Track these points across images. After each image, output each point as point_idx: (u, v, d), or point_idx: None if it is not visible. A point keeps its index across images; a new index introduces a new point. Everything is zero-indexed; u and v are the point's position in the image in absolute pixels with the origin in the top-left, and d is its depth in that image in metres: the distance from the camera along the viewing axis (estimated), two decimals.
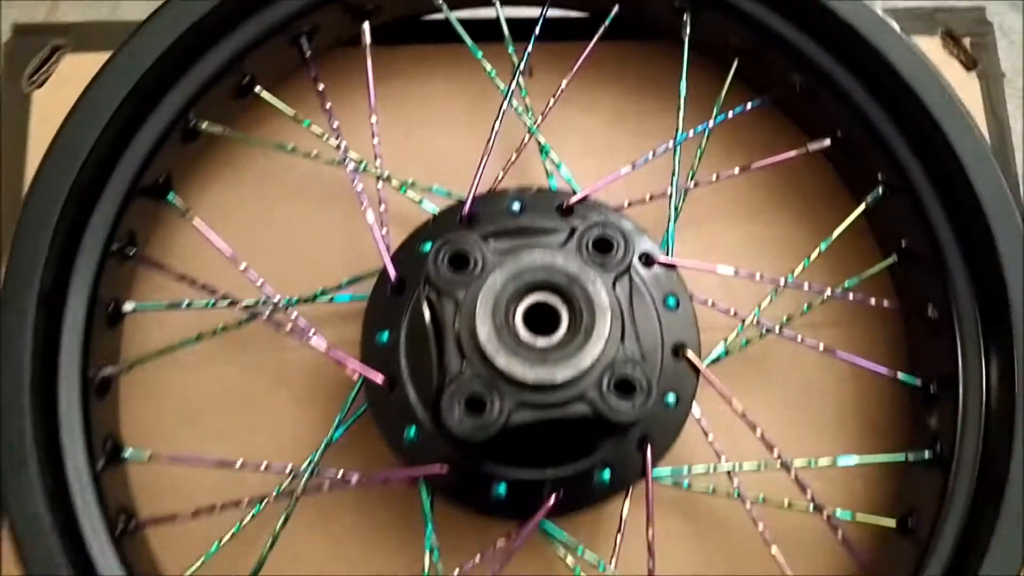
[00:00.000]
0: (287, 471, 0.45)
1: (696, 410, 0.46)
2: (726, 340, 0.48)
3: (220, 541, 0.44)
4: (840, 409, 0.52)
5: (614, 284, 0.40)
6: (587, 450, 0.43)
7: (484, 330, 0.38)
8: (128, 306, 0.49)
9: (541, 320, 0.39)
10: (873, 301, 0.50)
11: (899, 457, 0.47)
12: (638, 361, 0.39)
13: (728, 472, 0.46)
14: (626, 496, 0.45)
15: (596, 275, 0.40)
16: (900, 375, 0.49)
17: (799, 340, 0.49)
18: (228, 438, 0.50)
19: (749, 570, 0.49)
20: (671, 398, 0.45)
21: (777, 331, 0.49)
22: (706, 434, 0.46)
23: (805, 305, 0.50)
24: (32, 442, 0.41)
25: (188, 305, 0.49)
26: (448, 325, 0.40)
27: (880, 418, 0.51)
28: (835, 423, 0.51)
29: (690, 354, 0.45)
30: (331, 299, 0.49)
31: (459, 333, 0.39)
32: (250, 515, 0.45)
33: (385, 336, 0.45)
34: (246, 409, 0.51)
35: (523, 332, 0.39)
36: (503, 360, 0.38)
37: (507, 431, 0.39)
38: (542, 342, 0.39)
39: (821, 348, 0.49)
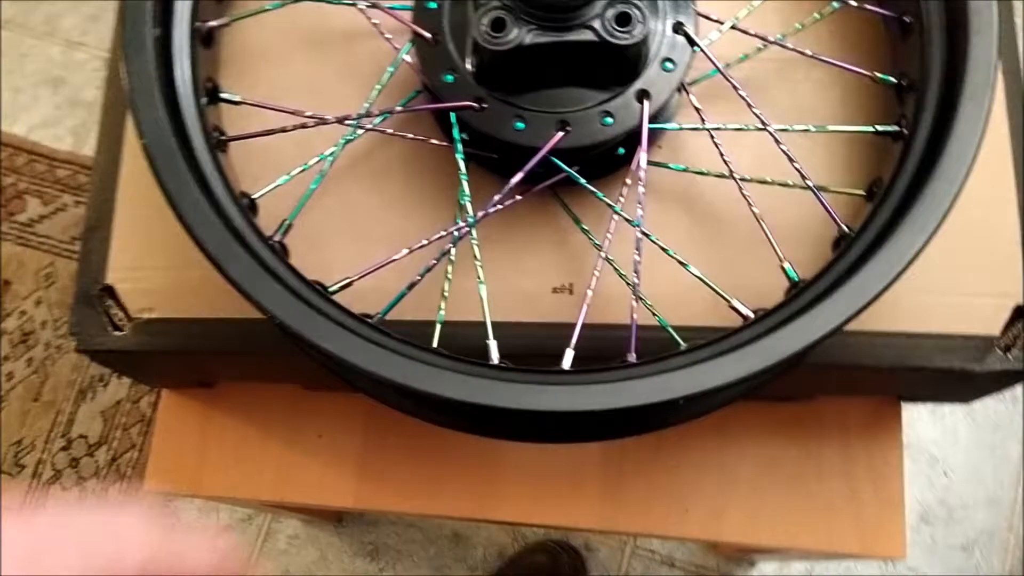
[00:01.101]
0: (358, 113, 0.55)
1: (694, 100, 0.55)
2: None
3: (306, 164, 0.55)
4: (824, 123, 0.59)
5: None
6: (593, 88, 0.52)
7: None
8: None
9: None
10: (855, 1, 0.57)
11: (868, 128, 0.54)
12: (637, 4, 0.48)
13: (711, 132, 0.54)
14: (628, 166, 0.54)
15: None
16: (878, 75, 0.56)
17: (789, 48, 0.56)
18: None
19: (738, 242, 0.57)
20: (668, 64, 0.53)
21: (771, 42, 0.56)
22: (698, 109, 0.55)
23: (797, 23, 0.58)
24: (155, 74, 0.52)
25: None
26: None
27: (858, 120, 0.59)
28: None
29: (688, 29, 0.53)
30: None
31: None
32: (315, 159, 0.55)
33: (434, 3, 0.54)
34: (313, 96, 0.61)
35: None
36: None
37: (523, 54, 0.48)
38: None
39: (809, 53, 0.57)
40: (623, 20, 0.48)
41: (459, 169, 0.53)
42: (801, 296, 0.49)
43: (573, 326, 0.49)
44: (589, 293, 0.51)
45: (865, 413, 0.70)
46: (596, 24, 0.48)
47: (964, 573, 1.18)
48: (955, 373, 0.58)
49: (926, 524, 1.19)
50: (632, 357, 0.50)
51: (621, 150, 0.55)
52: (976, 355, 0.57)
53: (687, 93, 0.55)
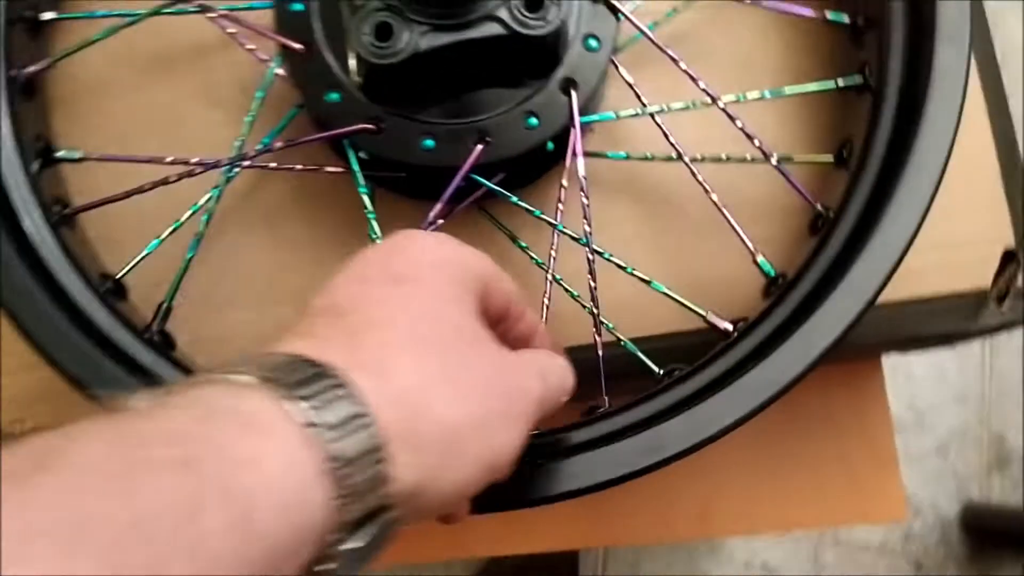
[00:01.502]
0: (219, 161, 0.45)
1: (626, 74, 0.46)
2: None
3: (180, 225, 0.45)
4: (775, 79, 0.51)
5: None
6: (509, 87, 0.43)
7: None
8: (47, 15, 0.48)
9: None
10: None
11: (830, 84, 0.46)
12: None
13: (652, 116, 0.46)
14: (563, 163, 0.46)
15: None
16: (829, 14, 0.48)
17: None
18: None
19: (700, 234, 0.50)
20: (592, 42, 0.44)
21: None
22: (632, 86, 0.46)
23: None
24: None
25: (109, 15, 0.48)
26: None
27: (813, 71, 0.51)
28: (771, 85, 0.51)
29: None
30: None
31: None
32: (188, 213, 0.45)
33: (299, 4, 0.44)
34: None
35: None
36: None
37: (422, 62, 0.39)
38: None
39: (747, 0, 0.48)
40: (534, 4, 0.39)
41: (364, 206, 0.43)
42: (786, 300, 0.42)
43: None
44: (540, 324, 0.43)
45: (846, 374, 0.64)
46: (502, 14, 0.39)
47: (943, 477, 1.17)
48: (950, 336, 0.53)
49: (897, 432, 1.17)
50: (605, 401, 0.43)
51: (551, 145, 0.47)
52: (970, 313, 0.52)
53: (616, 67, 0.47)
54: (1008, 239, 0.52)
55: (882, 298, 0.51)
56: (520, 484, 0.38)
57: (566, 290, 0.46)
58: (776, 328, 0.41)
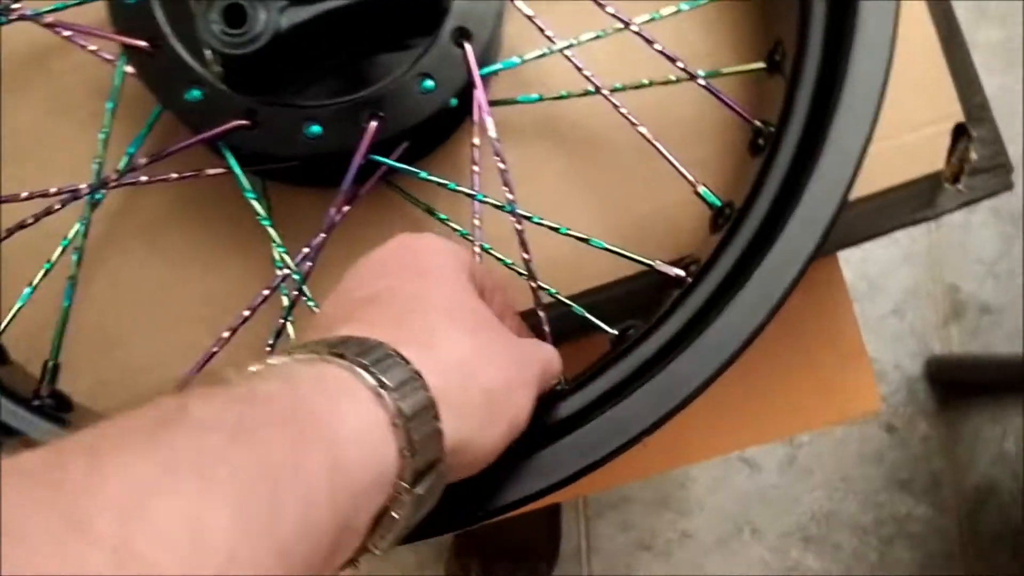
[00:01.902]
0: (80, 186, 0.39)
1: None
2: None
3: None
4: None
5: None
6: (396, 51, 0.38)
7: None
8: None
9: None
10: None
11: None
12: None
13: (563, 51, 0.41)
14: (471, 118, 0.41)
15: None
16: None
17: None
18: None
19: (635, 170, 0.46)
20: None
21: None
22: (533, 20, 0.41)
23: None
24: None
25: None
26: None
27: None
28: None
29: None
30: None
31: None
32: (58, 251, 0.40)
33: None
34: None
35: None
36: None
37: (287, 42, 0.33)
38: None
39: None
40: None
41: (256, 213, 0.38)
42: (737, 234, 0.38)
43: None
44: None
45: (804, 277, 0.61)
46: None
47: (902, 337, 1.17)
48: (908, 224, 0.50)
49: (852, 301, 1.17)
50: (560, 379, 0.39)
51: (454, 101, 0.41)
52: (927, 199, 0.49)
53: (513, 1, 0.41)
54: (957, 115, 0.48)
55: None
56: (488, 492, 0.35)
57: (498, 259, 0.42)
58: (732, 268, 0.38)
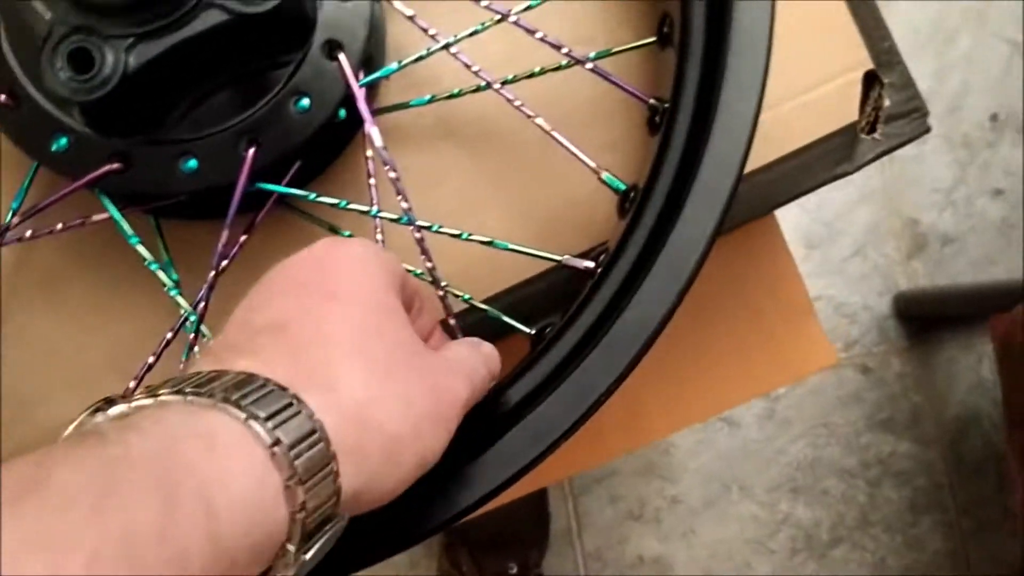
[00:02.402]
0: None
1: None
2: None
3: None
4: None
5: None
6: (267, 71, 0.36)
7: None
8: None
9: None
10: None
11: None
12: None
13: (447, 48, 0.39)
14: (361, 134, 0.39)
15: None
16: None
17: None
18: None
19: (537, 163, 0.44)
20: None
21: None
22: (412, 19, 0.39)
23: None
24: None
25: None
26: None
27: None
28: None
29: None
30: None
31: None
32: None
33: None
34: None
35: None
36: None
37: (141, 79, 0.32)
38: None
39: None
40: None
41: (143, 259, 0.37)
42: (642, 217, 0.37)
43: None
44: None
45: (742, 239, 0.60)
46: None
47: (867, 277, 1.16)
48: (830, 180, 0.49)
49: (814, 248, 1.17)
50: None
51: (342, 113, 0.40)
52: (845, 154, 0.48)
53: (391, 1, 0.40)
54: (866, 63, 0.47)
55: (752, 165, 0.47)
56: (416, 514, 0.34)
57: (408, 270, 0.40)
58: (639, 255, 0.37)
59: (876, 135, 0.48)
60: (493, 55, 0.43)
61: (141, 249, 0.37)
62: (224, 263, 0.37)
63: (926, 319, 1.17)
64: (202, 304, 0.37)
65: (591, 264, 0.39)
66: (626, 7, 0.44)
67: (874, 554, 1.16)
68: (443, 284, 0.39)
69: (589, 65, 0.39)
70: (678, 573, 1.14)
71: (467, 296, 0.40)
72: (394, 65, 0.39)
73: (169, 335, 0.38)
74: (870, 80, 0.48)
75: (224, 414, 0.24)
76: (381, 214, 0.38)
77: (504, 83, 0.41)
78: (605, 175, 0.40)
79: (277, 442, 0.24)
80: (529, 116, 0.40)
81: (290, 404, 0.25)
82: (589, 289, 0.37)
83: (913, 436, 1.17)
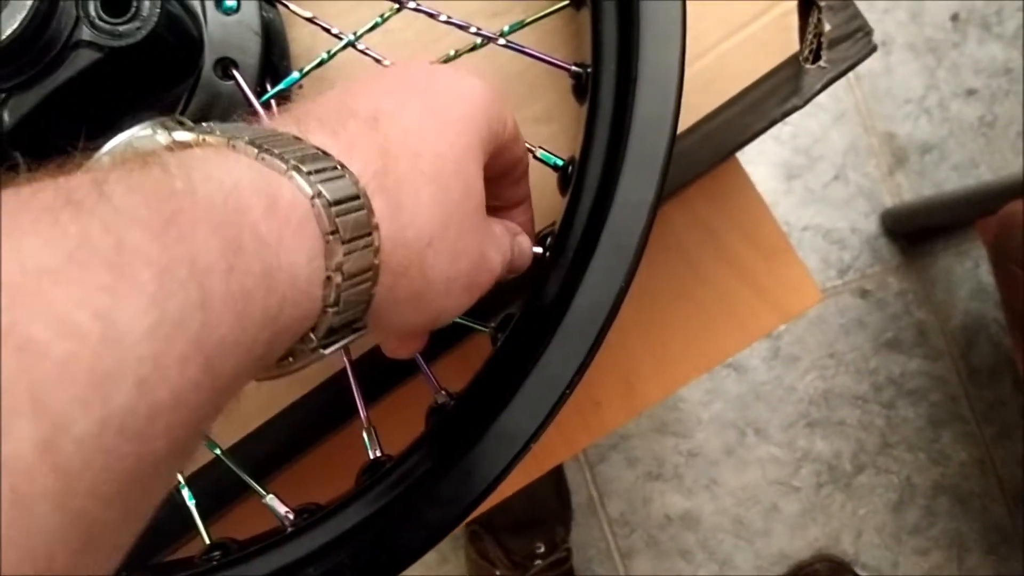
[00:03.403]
0: None
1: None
2: None
3: None
4: None
5: None
6: (162, 93, 0.34)
7: None
8: None
9: None
10: None
11: None
12: None
13: (352, 44, 0.37)
14: None
15: None
16: None
17: None
18: None
19: None
20: (229, 3, 0.35)
21: None
22: (313, 20, 0.37)
23: None
24: None
25: None
26: None
27: None
28: None
29: None
30: None
31: None
32: None
33: None
34: None
35: None
36: None
37: (24, 130, 0.30)
38: None
39: None
40: (116, 8, 0.30)
41: None
42: (580, 195, 0.35)
43: None
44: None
45: (707, 186, 0.58)
46: (85, 33, 0.30)
47: (852, 199, 1.14)
48: (780, 118, 0.47)
49: (794, 178, 1.14)
50: (443, 394, 0.36)
51: None
52: (792, 87, 0.46)
53: (286, 5, 0.38)
54: None
55: (697, 116, 0.45)
56: (390, 544, 0.33)
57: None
58: (583, 232, 0.35)
59: (821, 63, 0.46)
60: (408, 43, 0.41)
61: None
62: None
63: (916, 233, 1.15)
64: None
65: (539, 250, 0.37)
66: None
67: (899, 475, 1.14)
68: None
69: (502, 41, 0.37)
70: (707, 525, 1.13)
71: None
72: (296, 74, 0.37)
73: None
74: (806, 5, 0.45)
75: (291, 182, 0.23)
76: None
77: None
78: (540, 152, 0.38)
79: (333, 232, 0.23)
80: None
81: (356, 197, 0.24)
82: (538, 277, 0.35)
83: (921, 352, 1.15)
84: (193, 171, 0.21)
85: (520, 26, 0.39)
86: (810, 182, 1.15)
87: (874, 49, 0.46)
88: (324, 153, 0.25)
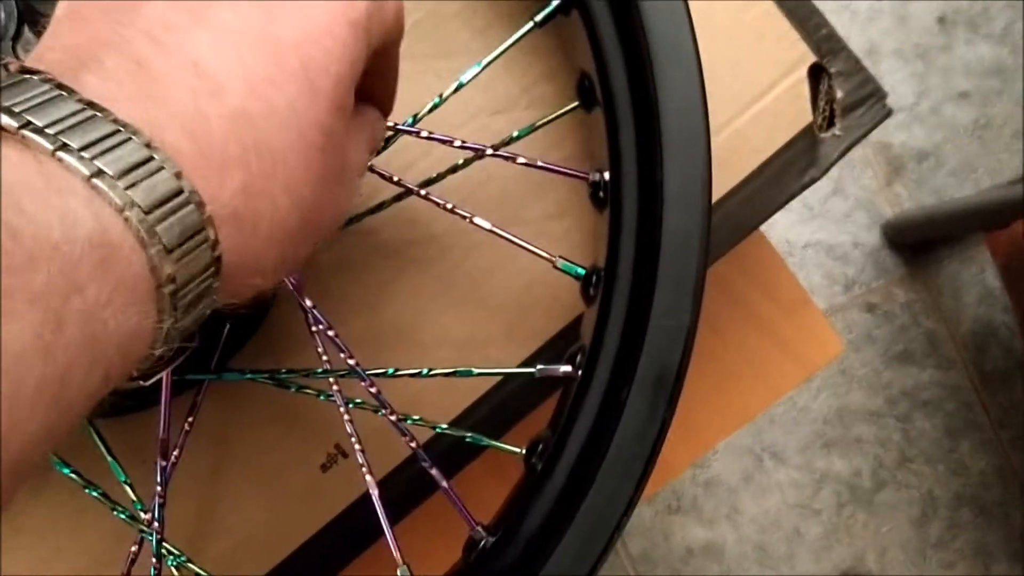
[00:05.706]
0: None
1: None
2: None
3: None
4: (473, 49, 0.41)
5: None
6: None
7: None
8: None
9: None
10: None
11: (528, 25, 0.36)
12: None
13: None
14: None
15: None
16: None
17: None
18: None
19: (491, 260, 0.41)
20: None
21: None
22: None
23: None
24: None
25: None
26: None
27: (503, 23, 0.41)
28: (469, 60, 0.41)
29: None
30: None
31: None
32: None
33: None
34: None
35: None
36: None
37: None
38: None
39: None
40: None
41: (84, 485, 0.33)
42: (610, 312, 0.34)
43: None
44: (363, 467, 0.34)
45: (733, 258, 0.57)
46: None
47: (851, 213, 1.12)
48: (800, 190, 0.45)
49: None
50: (480, 531, 0.34)
51: None
52: (809, 159, 0.44)
53: None
54: (808, 57, 0.43)
55: (716, 195, 0.43)
56: None
57: (374, 410, 0.37)
58: (618, 352, 0.33)
59: (836, 130, 0.45)
60: (411, 157, 0.40)
61: (74, 477, 0.33)
62: (170, 463, 0.34)
63: (918, 243, 1.14)
64: (152, 531, 0.33)
65: (568, 368, 0.35)
66: (541, 59, 0.40)
67: (920, 489, 1.13)
68: (406, 421, 0.35)
69: (522, 160, 0.35)
70: (730, 555, 1.11)
71: (441, 427, 0.37)
72: None
73: (135, 547, 0.34)
74: (816, 73, 0.44)
75: (93, 192, 0.18)
76: (328, 375, 0.34)
77: (426, 184, 0.37)
78: (560, 263, 0.36)
79: (159, 243, 0.19)
80: (465, 217, 0.36)
81: (179, 193, 0.20)
82: (574, 398, 0.34)
83: (933, 362, 1.14)
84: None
85: (530, 131, 0.37)
86: (808, 199, 1.14)
87: (889, 113, 0.45)
88: (128, 129, 0.20)
